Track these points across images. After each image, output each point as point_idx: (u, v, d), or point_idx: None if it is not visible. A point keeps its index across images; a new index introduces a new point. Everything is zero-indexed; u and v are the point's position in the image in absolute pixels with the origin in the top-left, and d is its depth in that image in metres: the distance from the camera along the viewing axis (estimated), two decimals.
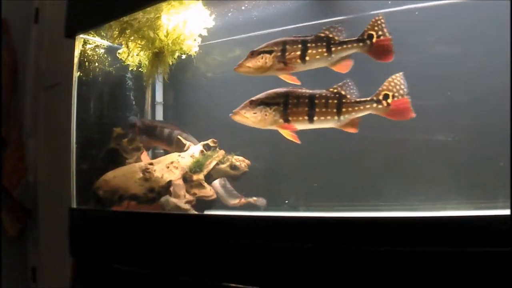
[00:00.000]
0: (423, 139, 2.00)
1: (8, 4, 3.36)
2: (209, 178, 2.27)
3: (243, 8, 2.51)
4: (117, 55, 2.66)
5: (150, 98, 2.89)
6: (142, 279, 2.00)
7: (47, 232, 3.26)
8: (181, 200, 2.10)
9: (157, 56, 2.57)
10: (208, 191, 2.18)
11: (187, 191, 2.16)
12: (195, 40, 2.54)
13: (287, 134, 1.82)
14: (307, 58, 1.82)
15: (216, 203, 2.21)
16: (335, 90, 1.80)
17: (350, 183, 2.21)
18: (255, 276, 1.62)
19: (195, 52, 2.56)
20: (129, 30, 2.49)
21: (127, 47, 2.58)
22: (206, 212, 2.16)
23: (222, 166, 2.28)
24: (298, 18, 2.25)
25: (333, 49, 1.81)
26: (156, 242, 1.96)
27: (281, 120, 1.82)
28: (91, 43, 2.74)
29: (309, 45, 1.82)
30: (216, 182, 2.33)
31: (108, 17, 2.41)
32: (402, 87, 1.71)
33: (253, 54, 1.87)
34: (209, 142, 2.40)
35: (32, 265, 3.37)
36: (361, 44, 1.78)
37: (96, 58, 2.78)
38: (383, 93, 1.74)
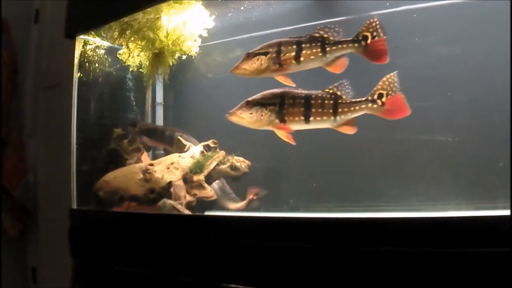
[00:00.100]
0: (423, 139, 2.00)
1: (8, 4, 3.36)
2: (210, 179, 2.27)
3: (242, 8, 2.51)
4: (118, 55, 2.66)
5: (151, 98, 2.89)
6: (142, 280, 2.00)
7: (47, 233, 3.26)
8: (178, 202, 2.10)
9: (157, 56, 2.57)
10: (208, 192, 2.18)
11: (188, 192, 2.16)
12: (195, 41, 2.54)
13: (282, 135, 1.83)
14: (301, 58, 1.83)
15: (216, 203, 2.21)
16: (331, 91, 1.80)
17: (350, 183, 2.21)
18: (255, 277, 1.62)
19: (196, 52, 2.56)
20: (129, 31, 2.49)
21: (128, 47, 2.58)
22: (207, 213, 2.16)
23: (223, 166, 2.28)
24: (298, 19, 2.25)
25: (327, 49, 1.81)
26: (156, 243, 1.96)
27: (277, 121, 1.83)
28: (91, 44, 2.74)
29: (303, 45, 1.83)
30: (214, 185, 2.33)
31: (108, 17, 2.41)
32: (396, 84, 1.72)
33: (249, 56, 1.88)
34: (210, 143, 2.40)
35: (32, 266, 3.37)
36: (356, 44, 1.79)
37: (96, 58, 2.78)
38: (377, 92, 1.75)
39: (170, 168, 2.23)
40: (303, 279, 1.50)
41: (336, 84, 1.81)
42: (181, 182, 2.18)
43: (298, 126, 1.82)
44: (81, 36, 2.63)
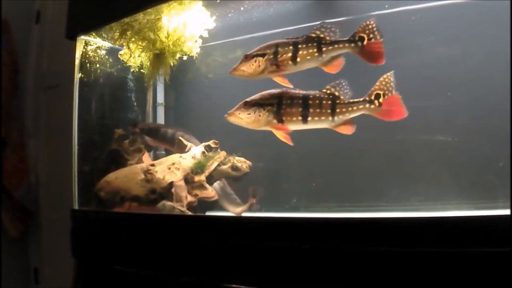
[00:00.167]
0: (423, 139, 2.01)
1: (9, 4, 3.36)
2: (211, 179, 2.27)
3: (242, 9, 2.52)
4: (119, 56, 2.67)
5: (151, 99, 2.90)
6: (144, 280, 2.01)
7: (49, 233, 3.27)
8: (177, 204, 2.10)
9: (158, 57, 2.58)
10: (209, 192, 2.19)
11: (189, 192, 2.17)
12: (196, 41, 2.55)
13: (280, 135, 1.83)
14: (298, 59, 1.84)
15: (217, 204, 2.22)
16: (329, 91, 1.81)
17: (350, 183, 2.21)
18: (255, 277, 1.63)
19: (197, 53, 2.57)
20: (130, 32, 2.50)
21: (129, 48, 2.59)
22: (208, 213, 2.17)
23: (224, 167, 2.28)
24: (298, 19, 2.25)
25: (324, 49, 1.82)
26: (157, 243, 1.97)
27: (275, 121, 1.84)
28: (92, 44, 2.75)
29: (300, 46, 1.84)
30: (216, 185, 2.33)
31: (108, 18, 2.41)
32: (392, 84, 1.73)
33: (247, 58, 1.90)
34: (211, 143, 2.40)
35: (34, 266, 3.37)
36: (352, 44, 1.80)
37: (97, 59, 2.78)
38: (375, 92, 1.75)
39: (171, 168, 2.23)
40: (303, 279, 1.51)
41: (332, 83, 1.81)
42: (182, 183, 2.18)
43: (296, 126, 1.83)
44: (82, 37, 2.63)
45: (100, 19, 2.44)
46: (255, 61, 1.88)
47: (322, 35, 1.83)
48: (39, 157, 3.40)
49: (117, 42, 2.60)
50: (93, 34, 2.71)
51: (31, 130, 3.46)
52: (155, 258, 1.96)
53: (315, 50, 1.82)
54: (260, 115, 1.84)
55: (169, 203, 2.12)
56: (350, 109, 1.78)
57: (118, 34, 2.54)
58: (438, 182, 1.93)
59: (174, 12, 2.44)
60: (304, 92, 1.83)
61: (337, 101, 1.79)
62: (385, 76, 1.74)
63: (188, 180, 2.22)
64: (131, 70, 2.72)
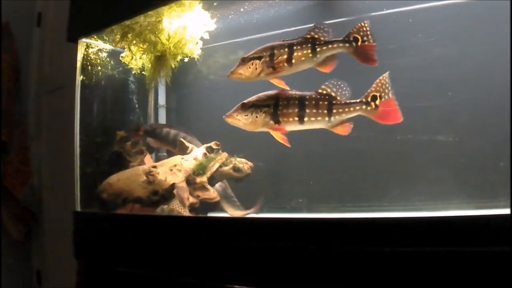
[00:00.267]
0: (424, 139, 2.01)
1: (11, 7, 3.38)
2: (212, 181, 2.28)
3: (242, 10, 2.52)
4: (120, 58, 2.68)
5: (153, 101, 2.91)
6: (146, 281, 2.01)
7: (51, 235, 3.27)
8: (175, 205, 2.11)
9: (159, 59, 2.58)
10: (211, 193, 2.19)
11: (191, 194, 2.17)
12: (196, 43, 2.55)
13: (278, 136, 1.85)
14: (293, 60, 1.85)
15: (219, 205, 2.22)
16: (325, 92, 1.82)
17: (352, 184, 2.22)
18: (258, 278, 1.63)
19: (198, 55, 2.58)
20: (131, 34, 2.51)
21: (130, 50, 2.60)
22: (210, 214, 2.17)
23: (225, 168, 2.29)
24: (298, 20, 2.26)
25: (318, 49, 1.84)
26: (159, 245, 1.97)
27: (271, 122, 1.85)
28: (93, 47, 2.76)
29: (295, 48, 1.86)
30: (217, 186, 2.34)
31: (109, 21, 2.42)
32: (388, 86, 1.74)
33: (244, 60, 1.92)
34: (212, 144, 2.41)
35: (37, 269, 3.38)
36: (346, 44, 1.82)
37: (98, 61, 2.79)
38: (371, 94, 1.76)
39: (173, 170, 2.24)
40: (306, 280, 1.51)
41: (328, 83, 1.82)
42: (184, 184, 2.19)
43: (293, 127, 1.85)
44: (83, 40, 2.64)
45: (101, 22, 2.45)
46: (252, 64, 1.90)
47: (316, 36, 1.85)
48: (42, 159, 3.41)
49: (119, 45, 2.61)
50: (95, 36, 2.72)
51: (34, 133, 3.47)
52: (158, 260, 1.97)
53: (309, 51, 1.84)
54: (257, 117, 1.86)
55: (166, 207, 2.13)
56: (346, 109, 1.79)
57: (119, 36, 2.55)
58: (439, 182, 1.93)
59: (174, 14, 2.45)
60: (300, 93, 1.85)
61: (334, 102, 1.80)
62: (381, 78, 1.75)
63: (190, 181, 2.23)
64: (133, 72, 2.73)
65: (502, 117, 1.66)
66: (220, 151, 2.38)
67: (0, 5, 3.28)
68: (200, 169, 2.26)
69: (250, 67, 1.90)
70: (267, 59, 1.87)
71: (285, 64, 1.86)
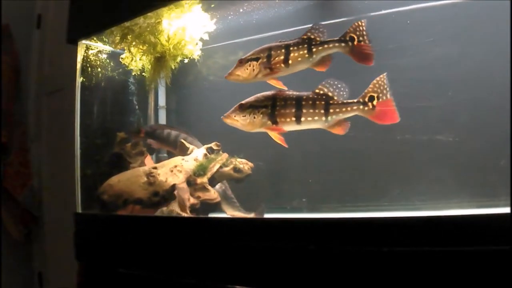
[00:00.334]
0: (424, 139, 2.01)
1: (10, 9, 3.38)
2: (213, 181, 2.28)
3: (241, 10, 2.53)
4: (120, 60, 2.68)
5: (153, 102, 2.91)
6: (147, 282, 2.01)
7: (52, 237, 3.28)
8: (175, 210, 2.11)
9: (159, 60, 2.59)
10: (212, 194, 2.19)
11: (191, 195, 2.17)
12: (196, 44, 2.56)
13: (275, 136, 1.86)
14: (290, 61, 1.86)
15: (220, 206, 2.23)
16: (322, 91, 1.82)
17: (351, 184, 2.22)
18: (259, 278, 1.63)
19: (198, 55, 2.58)
20: (130, 36, 2.51)
21: (130, 52, 2.60)
22: (211, 215, 2.17)
23: (226, 169, 2.29)
24: (299, 21, 2.26)
25: (314, 49, 1.85)
26: (160, 246, 1.97)
27: (269, 122, 1.86)
28: (93, 49, 2.76)
29: (291, 48, 1.87)
30: (217, 187, 2.34)
31: (109, 22, 2.42)
32: (386, 87, 1.75)
33: (241, 62, 1.93)
34: (212, 145, 2.41)
35: (38, 270, 3.39)
36: (342, 44, 1.82)
37: (98, 63, 2.79)
38: (368, 95, 1.77)
39: (173, 171, 2.24)
40: (307, 280, 1.51)
41: (325, 83, 1.83)
42: (184, 185, 2.19)
43: (290, 127, 1.85)
44: (83, 41, 2.64)
45: (101, 24, 2.45)
46: (249, 65, 1.91)
47: (312, 36, 1.86)
48: (42, 161, 3.41)
49: (118, 46, 2.61)
50: (94, 38, 2.72)
51: (34, 134, 3.47)
52: (159, 261, 1.97)
53: (305, 51, 1.85)
54: (255, 117, 1.87)
55: (165, 209, 2.13)
56: (343, 109, 1.80)
57: (119, 38, 2.55)
58: (439, 181, 1.94)
59: (174, 16, 2.45)
60: (297, 93, 1.86)
61: (331, 102, 1.81)
62: (378, 78, 1.75)
63: (190, 182, 2.23)
64: (133, 74, 2.74)
65: (502, 117, 1.67)
66: (221, 152, 2.39)
67: (0, 6, 3.28)
68: (201, 170, 2.26)
69: (247, 69, 1.91)
70: (264, 60, 1.88)
71: (282, 65, 1.87)
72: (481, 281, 1.23)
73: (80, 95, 2.58)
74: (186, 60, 2.61)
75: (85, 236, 2.35)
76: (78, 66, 2.60)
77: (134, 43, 2.56)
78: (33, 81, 3.53)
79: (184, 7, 2.42)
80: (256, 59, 1.90)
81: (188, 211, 2.10)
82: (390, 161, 2.11)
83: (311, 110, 1.82)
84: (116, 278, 2.16)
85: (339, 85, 1.83)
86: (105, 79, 2.84)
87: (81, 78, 2.62)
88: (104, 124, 2.84)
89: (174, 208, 2.11)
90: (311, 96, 1.83)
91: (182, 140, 2.50)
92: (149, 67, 2.65)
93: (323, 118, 1.81)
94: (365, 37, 1.78)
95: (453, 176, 1.92)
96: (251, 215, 2.15)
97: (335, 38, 1.83)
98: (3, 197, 3.21)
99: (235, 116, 1.90)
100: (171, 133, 2.63)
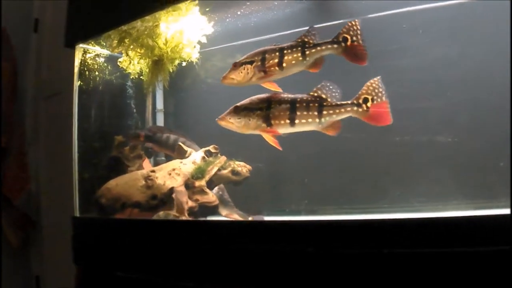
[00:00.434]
0: (424, 140, 2.01)
1: (8, 13, 3.37)
2: (211, 184, 2.28)
3: (239, 13, 2.53)
4: (118, 63, 2.67)
5: (151, 105, 2.90)
6: (145, 286, 2.00)
7: (50, 241, 3.26)
8: (171, 213, 2.10)
9: (157, 64, 2.58)
10: (210, 197, 2.19)
11: (190, 198, 2.17)
12: (194, 47, 2.55)
13: (269, 139, 1.87)
14: (284, 64, 1.88)
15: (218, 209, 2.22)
16: (316, 94, 1.83)
17: (351, 186, 2.21)
18: (257, 281, 1.62)
19: (196, 58, 2.58)
20: (128, 39, 2.51)
21: (127, 55, 2.60)
22: (209, 218, 2.17)
23: (224, 172, 2.29)
24: (299, 23, 2.26)
25: (307, 52, 1.87)
26: (159, 249, 1.96)
27: (264, 125, 1.86)
28: (91, 52, 2.75)
29: (285, 51, 1.89)
30: (215, 190, 2.33)
31: (106, 26, 2.42)
32: (381, 90, 1.76)
33: (236, 65, 1.95)
34: (210, 148, 2.41)
35: (35, 274, 3.37)
36: (335, 46, 1.84)
37: (96, 67, 2.79)
38: (362, 96, 1.78)
39: (171, 174, 2.24)
40: (305, 283, 1.51)
41: (319, 86, 1.85)
42: (183, 188, 2.19)
43: (285, 129, 1.87)
44: (81, 45, 2.64)
45: (98, 27, 2.45)
46: (244, 69, 1.93)
47: (306, 39, 1.88)
48: (40, 165, 3.40)
49: (116, 50, 2.61)
50: (92, 42, 2.71)
51: (31, 138, 3.46)
52: (157, 264, 1.96)
53: (299, 54, 1.87)
54: (250, 120, 1.88)
55: (162, 213, 2.12)
56: (337, 111, 1.81)
57: (116, 41, 2.55)
58: (439, 182, 1.93)
59: (171, 19, 2.45)
60: (292, 96, 1.87)
61: (324, 104, 1.82)
62: (372, 81, 1.77)
63: (188, 185, 2.22)
64: (130, 77, 2.73)
65: (502, 117, 1.66)
66: (219, 155, 2.38)
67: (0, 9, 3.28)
68: (199, 173, 2.26)
69: (241, 72, 1.93)
70: (259, 63, 1.90)
71: (276, 68, 1.88)
72: (482, 282, 1.23)
73: (77, 99, 2.58)
74: (184, 63, 2.60)
75: (83, 239, 2.34)
76: (76, 70, 2.60)
77: (131, 46, 2.56)
78: (30, 85, 3.52)
79: (182, 10, 2.42)
80: (251, 63, 1.92)
81: (186, 214, 2.09)
82: (389, 163, 2.11)
83: (305, 112, 1.83)
84: (114, 282, 2.15)
85: (331, 87, 1.85)
86: (103, 82, 2.84)
87: (79, 82, 2.61)
88: (102, 128, 2.84)
89: (172, 212, 2.10)
90: (305, 98, 1.85)
91: (180, 143, 2.49)
92: (147, 70, 2.65)
93: (317, 120, 1.82)
94: (359, 37, 1.79)
95: (452, 177, 1.91)
96: (249, 218, 2.14)
97: (328, 40, 1.85)
98: (0, 202, 3.20)
99: (230, 119, 1.91)
100: (169, 137, 2.62)
